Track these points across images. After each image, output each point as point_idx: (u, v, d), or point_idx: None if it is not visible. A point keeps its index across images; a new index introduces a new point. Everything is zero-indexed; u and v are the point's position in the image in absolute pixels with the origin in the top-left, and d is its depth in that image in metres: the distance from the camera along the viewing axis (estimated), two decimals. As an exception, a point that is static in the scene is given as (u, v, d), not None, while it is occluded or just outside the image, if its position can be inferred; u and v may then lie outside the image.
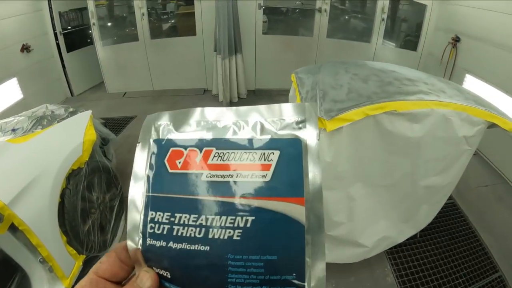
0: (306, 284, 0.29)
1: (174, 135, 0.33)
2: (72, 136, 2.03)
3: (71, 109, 2.39)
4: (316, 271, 0.29)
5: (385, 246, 1.95)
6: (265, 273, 0.29)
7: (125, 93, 4.79)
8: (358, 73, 1.79)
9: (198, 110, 0.34)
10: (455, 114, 1.60)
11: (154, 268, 0.31)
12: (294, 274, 0.29)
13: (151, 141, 0.34)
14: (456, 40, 3.56)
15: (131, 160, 0.33)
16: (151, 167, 0.33)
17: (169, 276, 0.31)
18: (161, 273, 0.31)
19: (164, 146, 0.33)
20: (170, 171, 0.32)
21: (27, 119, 2.11)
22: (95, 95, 4.79)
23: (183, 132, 0.33)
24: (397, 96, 1.57)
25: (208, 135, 0.32)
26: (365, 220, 1.74)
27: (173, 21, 4.76)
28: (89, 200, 2.04)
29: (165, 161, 0.32)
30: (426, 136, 1.60)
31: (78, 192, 1.91)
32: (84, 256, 1.87)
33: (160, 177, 0.32)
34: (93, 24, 4.25)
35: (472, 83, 3.40)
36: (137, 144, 0.34)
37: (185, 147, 0.32)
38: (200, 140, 0.32)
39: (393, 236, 1.91)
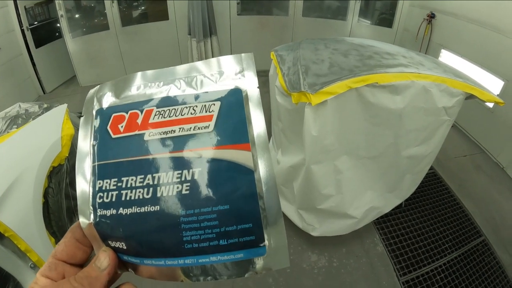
0: (264, 231, 0.28)
1: (116, 102, 0.33)
2: (49, 133, 1.94)
3: (45, 105, 2.29)
4: (272, 216, 0.28)
5: (373, 216, 2.01)
6: (219, 225, 0.28)
7: (99, 85, 4.66)
8: (338, 48, 1.80)
9: (138, 74, 0.34)
10: (435, 85, 1.65)
11: (109, 242, 0.30)
12: (250, 222, 0.28)
13: (94, 112, 0.33)
14: (432, 16, 3.64)
15: None
16: (95, 138, 0.32)
17: (125, 247, 0.30)
18: (117, 246, 0.30)
19: (106, 114, 0.32)
20: (113, 136, 0.31)
21: (1, 120, 2.00)
22: (68, 90, 4.61)
23: (124, 98, 0.33)
24: (378, 69, 1.60)
25: (149, 96, 0.32)
26: (352, 192, 1.79)
27: (144, 7, 4.60)
28: (73, 198, 1.98)
29: (108, 128, 0.32)
30: (407, 107, 1.65)
31: (62, 190, 1.84)
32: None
33: (104, 145, 0.31)
34: (61, 16, 4.03)
35: (447, 58, 3.50)
36: (81, 118, 0.34)
37: (126, 111, 0.32)
38: (141, 102, 0.32)
39: (380, 206, 1.98)
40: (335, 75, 1.47)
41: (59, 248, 0.30)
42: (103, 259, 0.29)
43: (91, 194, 0.30)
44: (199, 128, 0.30)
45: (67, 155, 1.95)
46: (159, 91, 0.32)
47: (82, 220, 0.30)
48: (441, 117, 1.77)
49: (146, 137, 0.30)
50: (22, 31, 4.02)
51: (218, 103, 0.31)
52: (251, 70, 0.32)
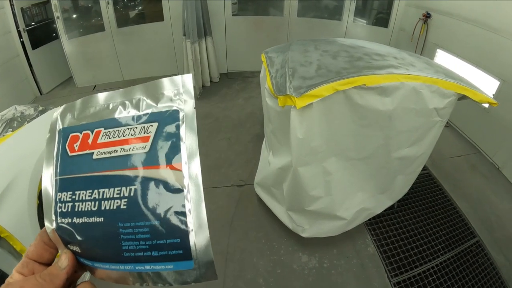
0: (191, 247, 0.30)
1: (73, 122, 0.37)
2: (43, 135, 1.96)
3: (40, 108, 2.32)
4: (199, 233, 0.30)
5: (364, 217, 2.01)
6: (151, 238, 0.31)
7: (95, 86, 4.67)
8: (328, 49, 1.79)
9: (95, 96, 0.37)
10: (425, 86, 1.64)
11: (69, 245, 0.34)
12: (178, 238, 0.30)
13: (57, 131, 0.37)
14: (427, 16, 3.63)
15: None
16: (57, 154, 0.36)
17: (80, 251, 0.34)
18: (74, 249, 0.34)
19: (65, 134, 0.37)
20: (70, 154, 0.35)
21: (-3, 123, 2.03)
22: (65, 91, 4.63)
23: (81, 119, 0.37)
24: (367, 71, 1.59)
25: (99, 117, 0.36)
26: (342, 193, 1.79)
27: (139, 7, 4.61)
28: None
29: (66, 146, 0.36)
30: (397, 109, 1.64)
31: (56, 192, 1.87)
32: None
33: (63, 161, 0.36)
34: (57, 17, 4.05)
35: (443, 58, 3.49)
36: (47, 136, 0.38)
37: (81, 131, 0.36)
38: (92, 123, 0.36)
39: (371, 207, 1.97)
40: (321, 78, 1.47)
41: (30, 249, 0.35)
42: (63, 259, 0.34)
43: (53, 203, 0.35)
44: (137, 149, 0.33)
45: (61, 157, 1.97)
46: (109, 113, 0.35)
47: (47, 225, 0.35)
48: (433, 118, 1.76)
49: (94, 156, 0.34)
50: (19, 32, 4.03)
51: (155, 124, 0.33)
52: (189, 91, 0.34)
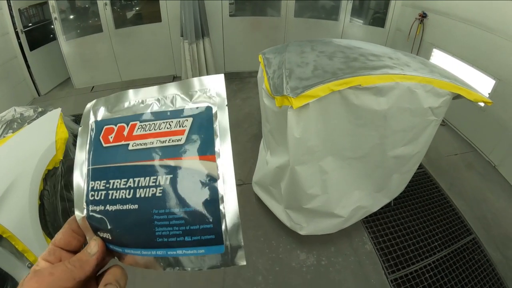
0: (223, 232, 0.33)
1: (108, 116, 0.39)
2: (43, 136, 1.99)
3: (40, 109, 2.33)
4: (231, 219, 0.33)
5: (360, 215, 2.04)
6: (185, 223, 0.33)
7: (93, 87, 4.66)
8: (324, 50, 1.82)
9: (128, 92, 0.39)
10: (420, 86, 1.66)
11: (99, 232, 0.36)
12: (211, 223, 0.33)
13: (90, 123, 0.39)
14: (423, 16, 3.65)
15: None
16: (90, 145, 0.38)
17: (110, 238, 0.35)
18: (104, 236, 0.36)
19: (99, 126, 0.39)
20: (104, 145, 0.37)
21: (-3, 125, 2.04)
22: (63, 92, 4.63)
23: (114, 112, 0.39)
24: (362, 71, 1.61)
25: (134, 112, 0.38)
26: (339, 192, 1.81)
27: (137, 8, 4.60)
28: (68, 200, 2.01)
29: (100, 137, 0.38)
30: (392, 108, 1.66)
31: (57, 192, 1.89)
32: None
33: (96, 152, 0.37)
34: (55, 18, 4.04)
35: (439, 57, 3.52)
36: (79, 128, 0.40)
37: (115, 124, 0.38)
38: (128, 117, 0.38)
39: (368, 205, 2.00)
40: (317, 78, 1.49)
41: (58, 236, 0.36)
42: (93, 246, 0.35)
43: (85, 192, 0.36)
44: (173, 141, 0.35)
45: (62, 158, 1.99)
46: (143, 108, 0.38)
47: (77, 213, 0.36)
48: (428, 117, 1.79)
49: (130, 147, 0.36)
50: (17, 33, 4.02)
51: (190, 119, 0.36)
52: (221, 90, 0.37)
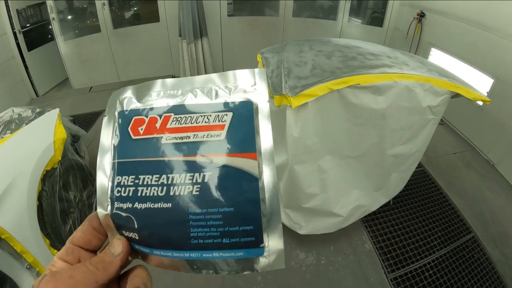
0: (264, 234, 0.31)
1: (137, 106, 0.35)
2: (42, 137, 1.99)
3: (38, 110, 2.33)
4: (272, 221, 0.31)
5: (359, 214, 2.04)
6: (224, 225, 0.30)
7: (91, 87, 4.67)
8: (323, 49, 1.82)
9: (158, 81, 0.36)
10: (418, 85, 1.66)
11: (123, 232, 0.33)
12: (251, 225, 0.30)
13: (116, 113, 0.36)
14: (421, 15, 3.66)
15: None
16: (116, 137, 0.35)
17: (137, 238, 0.32)
18: (130, 235, 0.33)
19: (127, 116, 0.35)
20: (133, 137, 0.34)
21: (-5, 125, 2.04)
22: (61, 92, 4.63)
23: (144, 103, 0.35)
24: (360, 70, 1.61)
25: (167, 103, 0.35)
26: (338, 191, 1.81)
27: (135, 8, 4.61)
28: (66, 200, 2.01)
29: (129, 129, 0.34)
30: (391, 107, 1.66)
31: (55, 193, 1.89)
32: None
33: (124, 144, 0.34)
34: (53, 18, 4.04)
35: (437, 56, 3.52)
36: (104, 117, 0.36)
37: (146, 115, 0.34)
38: (160, 108, 0.35)
39: (367, 204, 2.00)
40: (316, 78, 1.49)
41: (77, 234, 0.33)
42: (117, 246, 0.32)
43: (109, 187, 0.33)
44: (211, 136, 0.32)
45: (60, 159, 1.99)
46: (177, 99, 0.35)
47: (100, 210, 0.33)
48: (426, 116, 1.79)
49: (163, 141, 0.33)
50: (14, 34, 4.02)
51: (230, 114, 0.33)
52: (263, 84, 0.35)
